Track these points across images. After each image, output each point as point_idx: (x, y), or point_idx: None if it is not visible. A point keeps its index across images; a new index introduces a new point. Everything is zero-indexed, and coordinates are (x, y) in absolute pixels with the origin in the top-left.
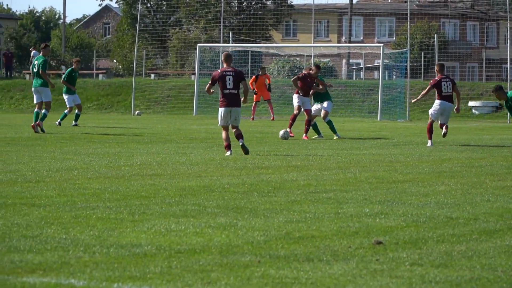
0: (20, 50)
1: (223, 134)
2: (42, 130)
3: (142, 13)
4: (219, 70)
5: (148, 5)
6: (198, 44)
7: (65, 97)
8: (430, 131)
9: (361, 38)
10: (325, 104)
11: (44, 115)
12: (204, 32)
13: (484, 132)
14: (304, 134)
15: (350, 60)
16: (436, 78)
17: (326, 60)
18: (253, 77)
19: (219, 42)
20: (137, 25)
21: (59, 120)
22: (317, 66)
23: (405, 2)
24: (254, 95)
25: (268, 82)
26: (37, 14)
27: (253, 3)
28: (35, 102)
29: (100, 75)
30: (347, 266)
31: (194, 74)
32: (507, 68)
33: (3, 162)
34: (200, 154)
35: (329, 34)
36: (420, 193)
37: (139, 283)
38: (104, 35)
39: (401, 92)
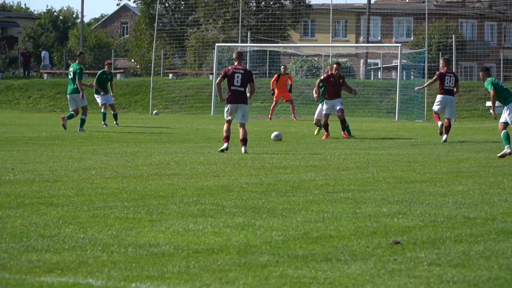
0: (38, 49)
1: (225, 126)
2: (63, 127)
3: (160, 13)
4: (230, 67)
5: (166, 4)
6: (216, 44)
7: (96, 97)
8: (440, 123)
9: (379, 38)
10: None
11: (83, 120)
12: (222, 32)
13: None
14: (343, 132)
15: (368, 60)
16: (441, 70)
17: (344, 60)
18: (275, 75)
19: (237, 42)
20: (155, 24)
21: (103, 123)
22: (337, 63)
23: (423, 2)
24: (274, 95)
25: (290, 83)
26: (55, 13)
27: (271, 2)
28: (70, 109)
29: (118, 75)
30: (365, 266)
31: (212, 73)
32: None
33: (21, 162)
34: (218, 153)
35: (347, 34)
36: (438, 193)
37: (157, 282)
38: (122, 34)
39: (419, 92)
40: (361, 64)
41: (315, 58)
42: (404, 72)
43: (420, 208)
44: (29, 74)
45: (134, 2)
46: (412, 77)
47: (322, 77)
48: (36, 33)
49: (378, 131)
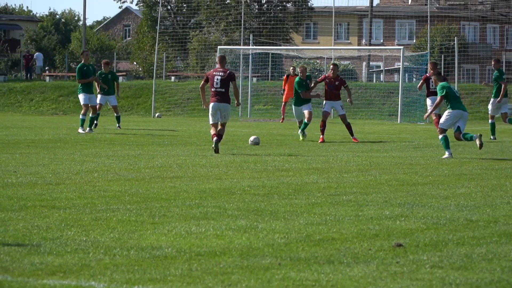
0: (41, 52)
1: (212, 130)
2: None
3: (162, 16)
4: (212, 70)
5: (169, 7)
6: (219, 47)
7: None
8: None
9: (381, 40)
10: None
11: (91, 119)
12: (224, 35)
13: (504, 135)
14: (352, 137)
15: (370, 63)
16: (427, 74)
17: (346, 62)
18: (285, 76)
19: (239, 45)
20: (158, 27)
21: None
22: (333, 64)
23: (425, 4)
24: (284, 95)
25: None
26: (57, 16)
27: (273, 5)
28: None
29: (120, 77)
30: (368, 268)
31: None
32: None
33: (23, 164)
34: (220, 156)
35: (350, 37)
36: (440, 195)
37: (159, 285)
38: (124, 37)
39: (421, 94)
40: (363, 67)
41: (317, 61)
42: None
43: (422, 210)
44: (32, 77)
45: (136, 4)
46: (414, 79)
47: (318, 79)
48: (38, 35)
49: (381, 134)
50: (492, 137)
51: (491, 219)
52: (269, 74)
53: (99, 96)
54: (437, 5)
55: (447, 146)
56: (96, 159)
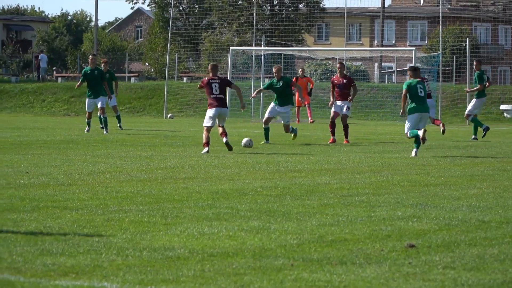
0: (52, 53)
1: (205, 133)
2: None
3: (174, 16)
4: (206, 78)
5: (181, 8)
6: (231, 48)
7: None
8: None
9: (393, 41)
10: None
11: (101, 120)
12: (236, 35)
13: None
14: (345, 139)
15: (382, 64)
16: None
17: (358, 63)
18: (294, 78)
19: (251, 45)
20: (170, 28)
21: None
22: (340, 63)
23: (437, 5)
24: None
25: (311, 87)
26: (69, 17)
27: (285, 6)
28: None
29: (132, 78)
30: (380, 269)
31: (227, 77)
32: None
33: (36, 165)
34: (233, 157)
35: (361, 38)
36: (452, 196)
37: (172, 286)
38: (136, 38)
39: (433, 95)
40: (375, 68)
41: (329, 62)
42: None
43: (434, 211)
44: (39, 78)
45: (148, 5)
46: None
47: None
48: (50, 36)
49: (393, 135)
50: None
51: (503, 220)
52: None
53: (89, 102)
54: (449, 6)
55: (417, 145)
56: (108, 160)
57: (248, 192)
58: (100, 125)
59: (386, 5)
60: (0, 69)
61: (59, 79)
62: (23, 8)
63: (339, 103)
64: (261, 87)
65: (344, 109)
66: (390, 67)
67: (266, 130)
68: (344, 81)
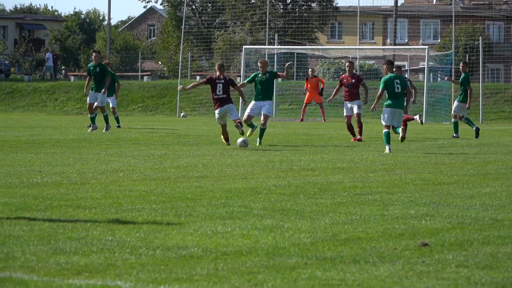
0: (65, 52)
1: (222, 130)
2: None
3: (187, 15)
4: (214, 76)
5: (193, 7)
6: (244, 46)
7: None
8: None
9: (406, 40)
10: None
11: (104, 117)
12: (249, 34)
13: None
14: (359, 136)
15: (395, 62)
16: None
17: (371, 62)
18: (305, 79)
19: (264, 44)
20: (182, 27)
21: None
22: (349, 62)
23: (450, 4)
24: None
25: (322, 86)
26: (82, 16)
27: (298, 5)
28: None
29: (145, 77)
30: (393, 267)
31: (240, 76)
32: None
33: (49, 164)
34: (246, 156)
35: (374, 36)
36: (465, 195)
37: (185, 285)
38: (149, 37)
39: (446, 94)
40: None
41: (342, 61)
42: (431, 74)
43: (447, 210)
44: (56, 77)
45: (161, 4)
46: (439, 79)
47: (337, 86)
48: (63, 35)
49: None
50: (455, 135)
51: None
52: (294, 74)
53: (90, 94)
54: (462, 4)
55: (387, 141)
56: (121, 158)
57: (261, 191)
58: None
59: (399, 4)
60: (13, 68)
61: (72, 78)
62: (36, 7)
63: (348, 104)
64: (245, 81)
65: (356, 109)
66: (403, 66)
67: (251, 125)
68: (353, 80)
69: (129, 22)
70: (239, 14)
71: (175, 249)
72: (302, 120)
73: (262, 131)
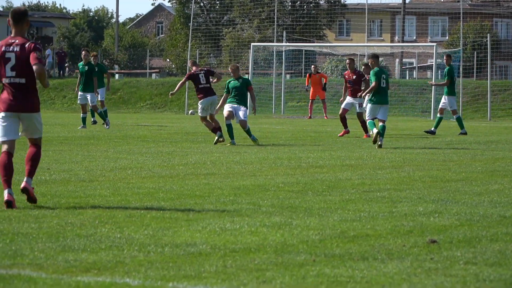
0: (73, 49)
1: (205, 122)
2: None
3: (195, 12)
4: (192, 71)
5: (201, 4)
6: (252, 44)
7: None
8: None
9: (414, 37)
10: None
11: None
12: (257, 32)
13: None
14: (365, 134)
15: (403, 60)
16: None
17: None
18: (307, 74)
19: (272, 41)
20: (190, 24)
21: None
22: (349, 59)
23: (458, 1)
24: (309, 93)
25: (324, 82)
26: (91, 13)
27: (306, 2)
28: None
29: (154, 74)
30: (402, 264)
31: (248, 73)
32: None
33: (57, 162)
34: (254, 153)
35: (382, 34)
36: (473, 192)
37: (194, 282)
38: (157, 34)
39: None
40: (396, 64)
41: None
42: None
43: (456, 207)
44: (64, 74)
45: (169, 1)
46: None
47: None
48: (71, 33)
49: (414, 130)
50: (462, 131)
51: None
52: (303, 71)
53: (79, 95)
54: (470, 1)
55: (373, 127)
56: (129, 156)
57: (270, 188)
58: (92, 118)
59: (407, 1)
60: None
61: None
62: (44, 4)
63: (350, 100)
64: (224, 95)
65: (357, 108)
66: (411, 63)
67: (229, 126)
68: (354, 76)
69: (137, 20)
70: (247, 11)
71: (183, 246)
72: (310, 117)
73: (248, 131)
